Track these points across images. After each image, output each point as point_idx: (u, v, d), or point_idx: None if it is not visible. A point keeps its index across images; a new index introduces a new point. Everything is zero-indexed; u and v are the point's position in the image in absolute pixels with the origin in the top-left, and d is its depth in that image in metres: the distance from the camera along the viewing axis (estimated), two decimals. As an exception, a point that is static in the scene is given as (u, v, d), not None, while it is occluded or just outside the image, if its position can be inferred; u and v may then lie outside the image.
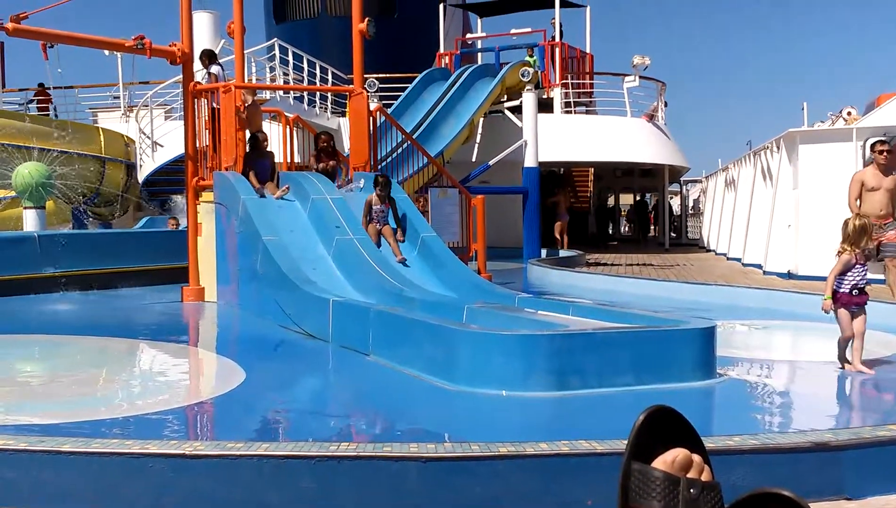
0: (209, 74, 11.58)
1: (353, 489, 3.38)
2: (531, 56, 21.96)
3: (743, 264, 15.75)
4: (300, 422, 4.82)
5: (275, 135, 11.89)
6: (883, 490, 3.52)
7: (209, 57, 11.68)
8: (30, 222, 13.77)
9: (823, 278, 11.67)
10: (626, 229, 41.42)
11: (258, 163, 10.15)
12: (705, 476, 1.05)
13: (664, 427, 1.08)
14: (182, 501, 3.37)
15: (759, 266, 14.16)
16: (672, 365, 5.37)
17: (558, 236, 20.61)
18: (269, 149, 10.49)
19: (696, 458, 1.06)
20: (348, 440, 4.15)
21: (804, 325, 8.76)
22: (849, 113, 16.01)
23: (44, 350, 7.21)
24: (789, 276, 12.54)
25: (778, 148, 13.94)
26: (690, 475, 1.04)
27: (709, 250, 22.62)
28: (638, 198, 35.71)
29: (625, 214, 41.33)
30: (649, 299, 10.40)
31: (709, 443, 3.73)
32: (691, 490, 1.03)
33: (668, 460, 1.05)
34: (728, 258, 18.11)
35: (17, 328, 8.32)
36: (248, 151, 10.36)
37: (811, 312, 9.10)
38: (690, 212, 37.78)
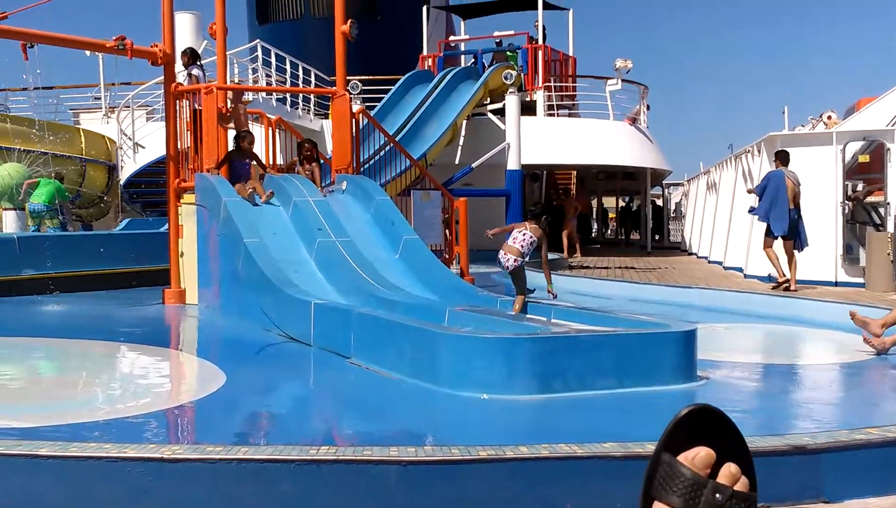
0: (189, 75, 11.51)
1: (334, 493, 3.37)
2: (511, 53, 22.05)
3: (724, 267, 15.82)
4: (280, 426, 4.81)
5: (257, 137, 11.85)
6: (860, 492, 3.54)
7: (191, 56, 11.62)
8: (9, 223, 13.68)
9: (804, 282, 11.85)
10: (610, 232, 41.59)
11: (239, 163, 10.11)
12: (740, 487, 1.04)
13: (708, 429, 1.06)
14: (160, 505, 3.35)
15: (740, 269, 14.23)
16: (653, 368, 5.38)
17: (566, 241, 20.24)
18: (253, 150, 10.44)
19: (733, 467, 1.04)
20: (329, 443, 4.14)
21: (784, 328, 8.83)
22: (829, 117, 16.13)
23: (23, 353, 7.15)
24: (770, 279, 12.61)
25: (759, 152, 14.01)
26: (722, 481, 1.03)
27: (690, 254, 22.72)
28: (624, 203, 35.88)
29: (613, 216, 41.43)
30: (631, 301, 10.44)
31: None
32: (717, 496, 1.01)
33: (689, 456, 1.04)
34: (709, 262, 18.19)
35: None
36: (231, 150, 10.33)
37: (791, 314, 9.20)
38: (672, 215, 37.92)
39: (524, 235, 7.82)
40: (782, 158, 11.55)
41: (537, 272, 9.16)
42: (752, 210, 11.88)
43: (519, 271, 7.89)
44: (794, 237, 11.13)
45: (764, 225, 11.52)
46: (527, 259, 7.89)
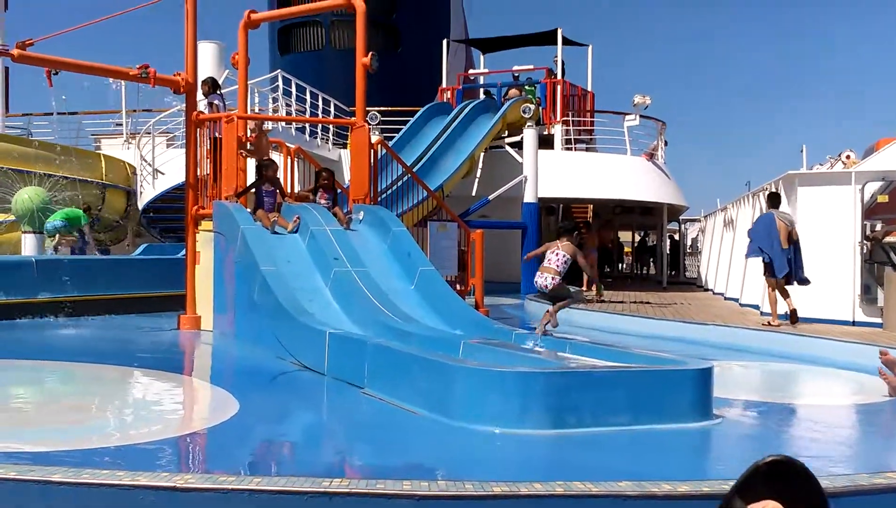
0: (210, 103, 11.65)
1: (345, 525, 3.34)
2: (530, 87, 22.16)
3: (740, 304, 15.72)
4: (293, 456, 4.79)
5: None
6: (880, 538, 3.48)
7: (211, 86, 11.75)
8: (28, 246, 13.78)
9: (821, 321, 11.77)
10: (626, 266, 41.48)
11: (264, 191, 10.18)
12: None
13: (787, 483, 1.04)
14: (171, 534, 3.33)
15: (757, 307, 14.14)
16: (669, 406, 5.33)
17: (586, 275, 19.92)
18: (276, 178, 10.51)
19: None
20: (341, 474, 4.11)
21: (801, 367, 8.75)
22: (847, 156, 16.07)
23: (37, 376, 7.17)
24: (787, 317, 12.53)
25: (776, 189, 13.97)
26: None
27: (706, 290, 22.60)
28: (640, 237, 35.83)
29: (629, 251, 41.36)
30: (646, 337, 10.38)
31: (704, 487, 3.65)
32: None
33: (756, 506, 1.02)
34: (725, 298, 18.08)
35: (11, 353, 8.28)
36: (256, 179, 10.40)
37: (808, 353, 9.11)
38: (688, 251, 37.79)
39: (557, 255, 8.17)
40: (772, 200, 12.09)
41: (545, 304, 9.17)
42: (747, 254, 12.51)
43: (559, 289, 8.24)
44: (789, 275, 11.50)
45: (758, 262, 12.03)
46: (561, 278, 8.23)
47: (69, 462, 3.82)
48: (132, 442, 4.65)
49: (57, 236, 14.29)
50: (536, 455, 4.77)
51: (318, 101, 20.27)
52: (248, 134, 10.98)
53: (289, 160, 12.11)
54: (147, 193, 19.12)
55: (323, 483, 3.43)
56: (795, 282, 11.66)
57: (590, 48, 24.96)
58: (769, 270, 11.66)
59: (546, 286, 8.17)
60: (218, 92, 11.88)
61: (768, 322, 11.38)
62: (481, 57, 27.77)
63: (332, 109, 20.81)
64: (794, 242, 11.57)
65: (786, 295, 11.58)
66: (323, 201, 10.63)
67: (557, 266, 8.12)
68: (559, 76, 23.10)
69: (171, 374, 7.57)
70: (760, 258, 11.81)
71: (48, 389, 6.74)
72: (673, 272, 30.21)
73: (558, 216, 27.14)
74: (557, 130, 21.98)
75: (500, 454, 4.78)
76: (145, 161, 19.06)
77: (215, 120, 10.73)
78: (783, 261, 11.45)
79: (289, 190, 11.58)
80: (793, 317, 11.36)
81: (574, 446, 4.86)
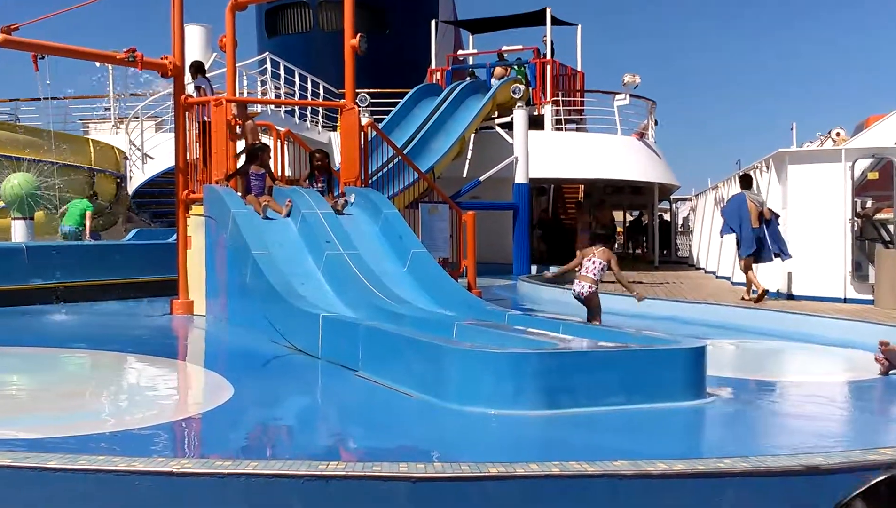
0: (197, 88, 11.58)
1: (342, 508, 3.35)
2: (520, 67, 22.09)
3: (732, 282, 15.77)
4: (288, 439, 4.79)
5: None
6: (874, 513, 3.50)
7: (197, 69, 11.69)
8: (18, 232, 13.72)
9: (813, 298, 11.83)
10: (618, 246, 41.50)
11: (254, 175, 10.10)
12: None
13: None
14: (169, 519, 3.33)
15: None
16: (662, 385, 5.35)
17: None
18: (267, 161, 10.44)
19: None
20: (337, 458, 4.12)
21: (793, 345, 8.79)
22: (837, 134, 16.11)
23: (30, 363, 7.15)
24: (778, 295, 12.59)
25: (767, 168, 14.00)
26: None
27: (698, 269, 22.67)
28: (633, 217, 35.91)
29: (621, 231, 41.35)
30: (639, 316, 10.40)
31: (699, 465, 3.68)
32: None
33: None
34: (717, 277, 18.14)
35: (4, 341, 8.24)
36: (244, 163, 10.32)
37: (800, 331, 9.15)
38: (679, 230, 37.83)
39: (594, 262, 8.53)
40: (744, 182, 12.62)
41: (538, 285, 9.21)
42: (721, 232, 13.39)
43: (594, 298, 8.58)
44: (758, 253, 12.05)
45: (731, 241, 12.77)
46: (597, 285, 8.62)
47: (65, 449, 3.82)
48: (127, 428, 4.64)
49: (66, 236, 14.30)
50: (531, 436, 4.78)
51: (306, 83, 20.17)
52: (235, 118, 10.91)
53: (278, 143, 12.05)
54: (137, 177, 19.03)
55: (319, 466, 3.44)
56: (775, 258, 12.07)
57: (579, 28, 24.91)
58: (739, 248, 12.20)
59: (582, 294, 8.57)
60: (203, 76, 11.81)
61: (759, 297, 11.54)
62: (470, 38, 27.65)
63: (321, 91, 20.72)
64: (767, 221, 11.98)
65: (748, 276, 12.02)
66: (318, 184, 10.58)
67: (594, 274, 8.51)
68: (548, 56, 23.02)
69: (165, 359, 7.56)
70: (733, 237, 12.38)
71: (42, 376, 6.72)
72: (664, 252, 30.26)
73: (549, 197, 27.13)
74: (547, 111, 21.94)
75: (496, 435, 4.80)
76: (134, 146, 18.95)
77: (204, 103, 10.67)
78: (751, 240, 11.94)
79: (279, 174, 11.53)
80: (747, 293, 11.95)
81: (569, 426, 4.88)
